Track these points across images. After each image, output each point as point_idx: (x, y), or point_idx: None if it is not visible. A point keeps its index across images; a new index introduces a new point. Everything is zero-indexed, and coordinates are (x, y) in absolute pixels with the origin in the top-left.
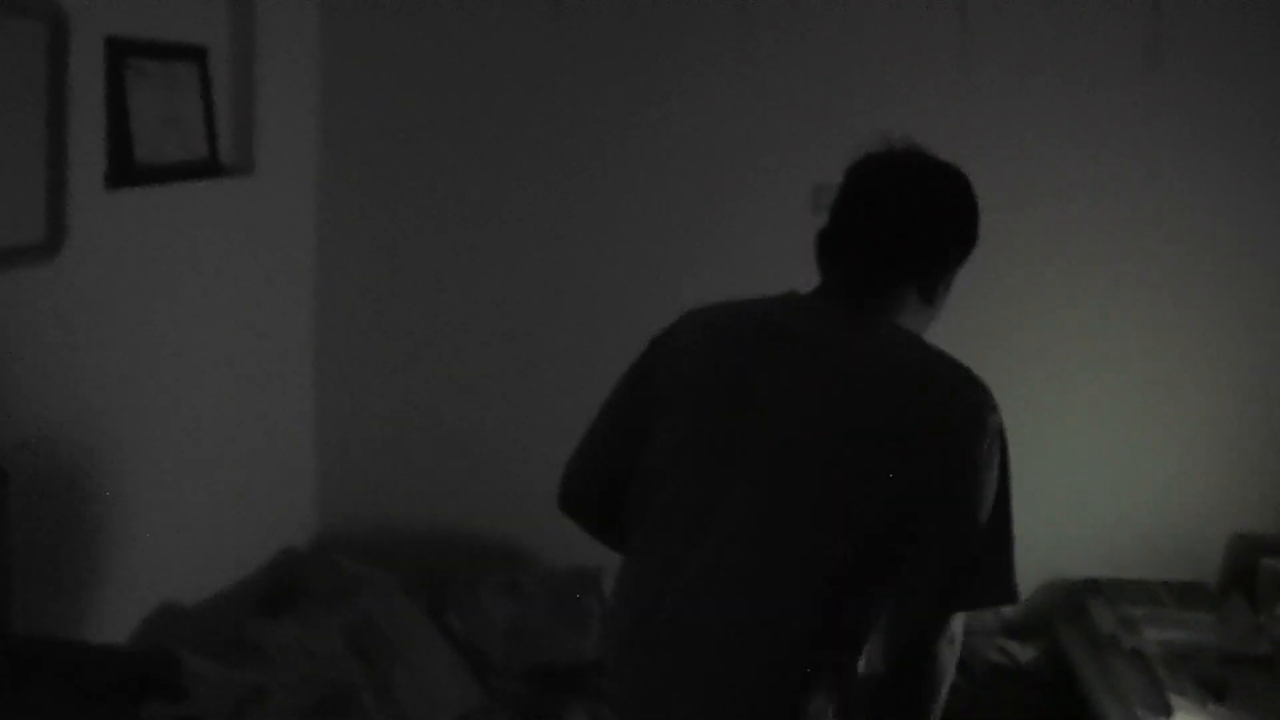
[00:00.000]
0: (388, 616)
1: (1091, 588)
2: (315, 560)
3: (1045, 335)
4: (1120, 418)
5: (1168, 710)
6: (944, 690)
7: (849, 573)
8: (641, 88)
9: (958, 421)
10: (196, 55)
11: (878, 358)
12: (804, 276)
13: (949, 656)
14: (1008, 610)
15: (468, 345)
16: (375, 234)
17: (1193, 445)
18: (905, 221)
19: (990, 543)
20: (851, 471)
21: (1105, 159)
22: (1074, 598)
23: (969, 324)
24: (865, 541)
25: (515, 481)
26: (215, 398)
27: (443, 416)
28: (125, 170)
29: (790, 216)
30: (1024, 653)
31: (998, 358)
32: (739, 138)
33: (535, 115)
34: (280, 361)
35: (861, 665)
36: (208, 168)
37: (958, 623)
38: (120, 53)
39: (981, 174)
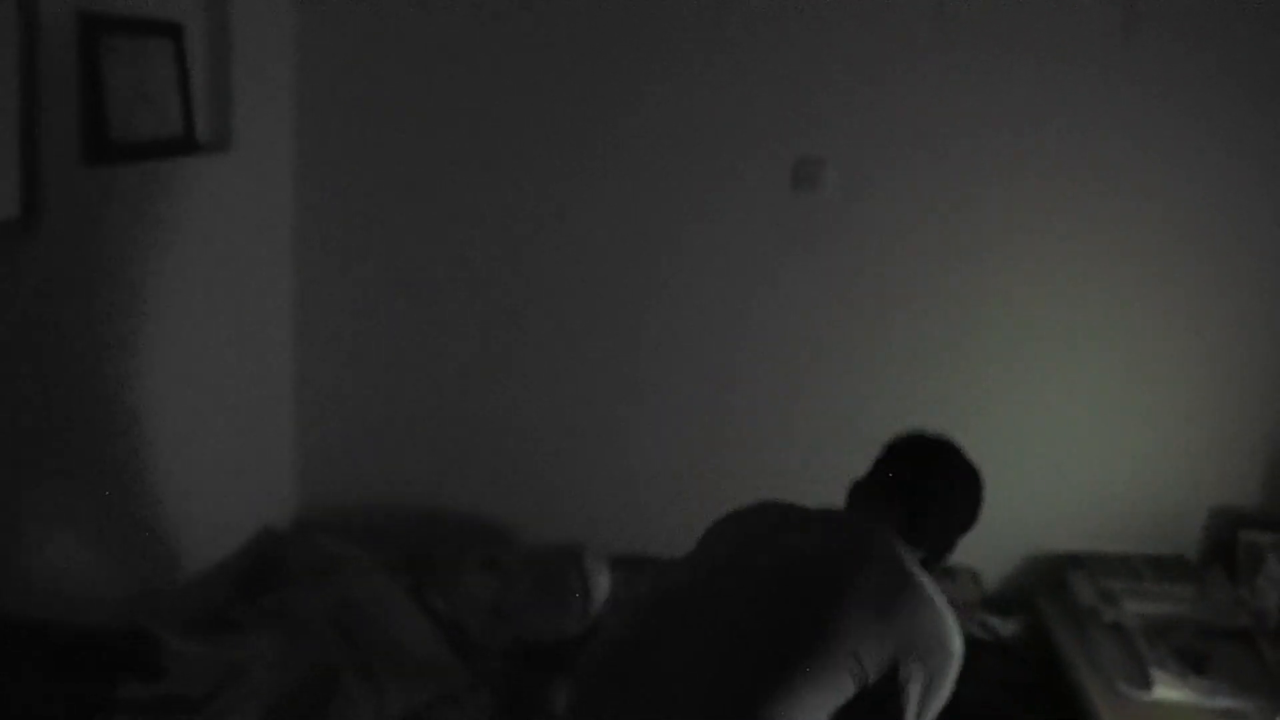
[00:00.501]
0: (368, 595)
1: (1072, 562)
2: (295, 539)
3: (1024, 310)
4: (1100, 392)
5: (1148, 683)
6: None
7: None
8: (621, 61)
9: (934, 644)
10: (171, 32)
11: (887, 558)
12: (784, 253)
13: None
14: (989, 584)
15: (448, 323)
16: (354, 211)
17: (1172, 419)
18: (930, 515)
19: None
20: (828, 629)
21: (1084, 132)
22: (1054, 572)
23: (949, 299)
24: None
25: (497, 459)
26: (193, 377)
27: (424, 394)
28: (100, 147)
29: (772, 192)
30: (1004, 626)
31: (977, 333)
32: (720, 113)
33: (513, 92)
34: (259, 340)
35: None
36: (184, 145)
37: None
38: (93, 29)
39: (960, 148)
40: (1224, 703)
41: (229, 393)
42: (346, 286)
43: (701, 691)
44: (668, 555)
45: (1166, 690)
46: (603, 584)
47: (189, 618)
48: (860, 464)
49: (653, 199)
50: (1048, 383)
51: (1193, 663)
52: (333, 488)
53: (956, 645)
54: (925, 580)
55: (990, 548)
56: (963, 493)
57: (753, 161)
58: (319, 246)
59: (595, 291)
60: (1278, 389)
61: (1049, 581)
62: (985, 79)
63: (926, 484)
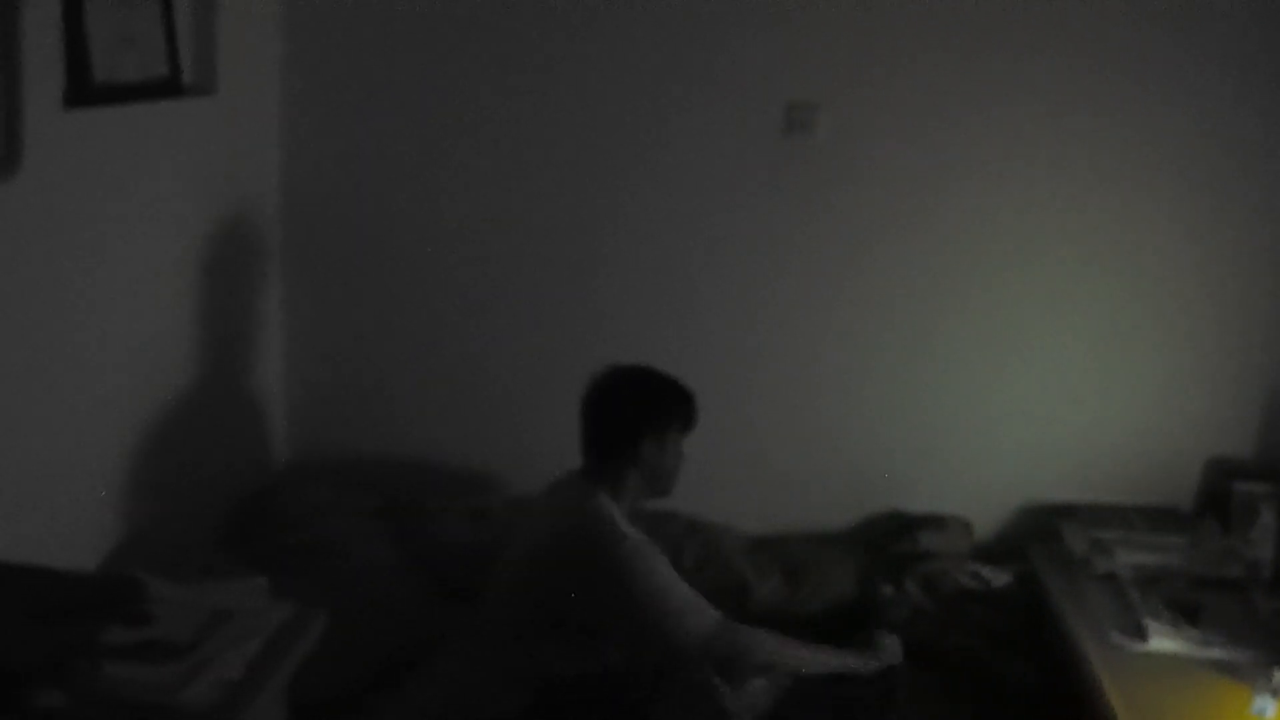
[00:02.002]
0: (354, 543)
1: (1065, 512)
2: (282, 487)
3: (1019, 259)
4: (1095, 342)
5: (1141, 633)
6: None
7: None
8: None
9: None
10: None
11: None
12: (774, 196)
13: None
14: (981, 533)
15: (436, 269)
16: (341, 156)
17: (1168, 370)
18: (614, 450)
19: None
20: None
21: (1081, 66)
22: (1047, 522)
23: (943, 247)
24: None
25: (485, 407)
26: (178, 323)
27: (412, 341)
28: (83, 90)
29: (762, 136)
30: (996, 577)
31: (971, 281)
32: (711, 53)
33: (502, 33)
34: (245, 286)
35: None
36: (169, 88)
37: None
38: None
39: (955, 90)
40: (1217, 654)
41: (215, 339)
42: (333, 232)
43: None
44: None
45: (1160, 641)
46: None
47: (177, 566)
48: (843, 411)
49: (642, 146)
50: (1042, 331)
51: (1186, 613)
52: (321, 434)
53: (615, 556)
54: (607, 534)
55: (983, 497)
56: (628, 410)
57: (744, 106)
58: (306, 192)
59: (584, 239)
60: (1275, 340)
61: (1042, 532)
62: (979, 18)
63: (597, 427)
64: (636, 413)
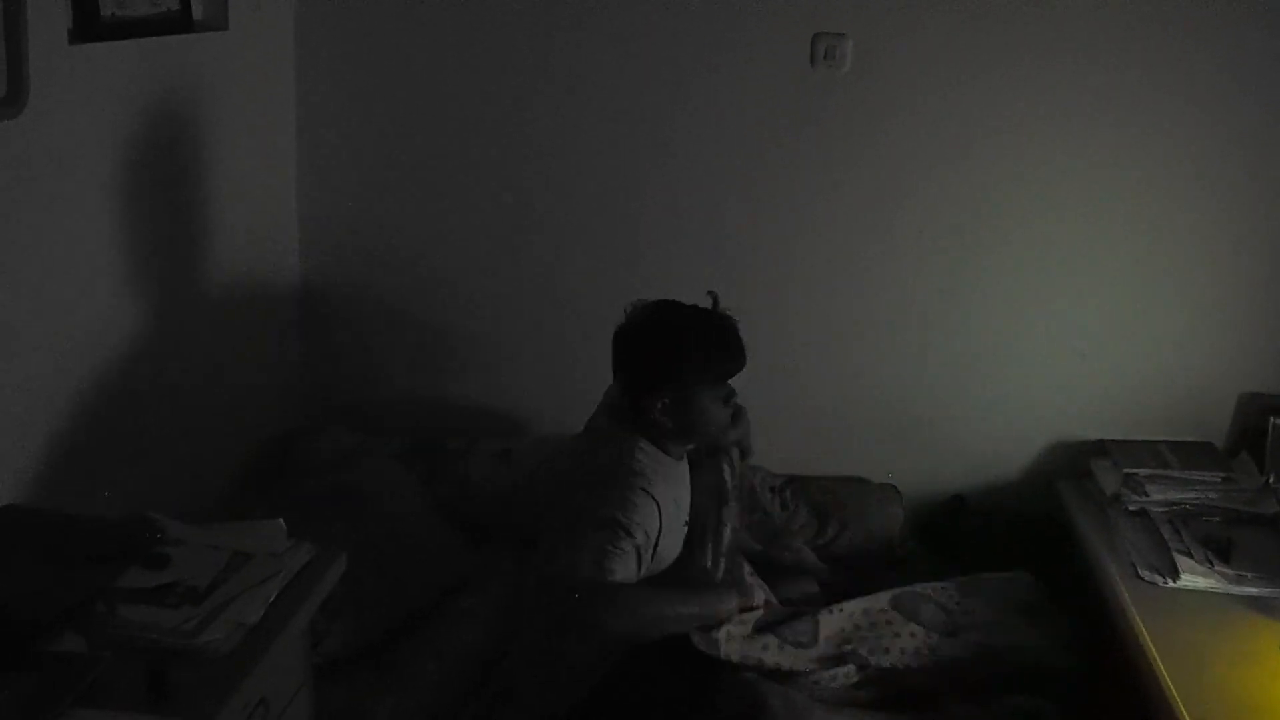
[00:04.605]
0: (379, 485)
1: (1097, 449)
2: (308, 430)
3: (1048, 191)
4: (1128, 277)
5: (1173, 570)
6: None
7: None
8: None
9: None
10: None
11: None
12: (801, 129)
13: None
14: (1011, 471)
15: (457, 207)
16: (357, 93)
17: (1202, 304)
18: (631, 388)
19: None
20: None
21: (1112, 4)
22: (1079, 458)
23: (970, 175)
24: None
25: (509, 349)
26: (193, 264)
27: (436, 282)
28: (90, 24)
29: (789, 68)
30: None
31: (999, 212)
32: None
33: None
34: (262, 225)
35: None
36: (178, 23)
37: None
38: None
39: (986, 15)
40: (1250, 590)
41: (234, 280)
42: (350, 170)
43: None
44: None
45: (1192, 578)
46: None
47: (200, 511)
48: (872, 347)
49: (668, 80)
50: (1073, 265)
51: (1218, 550)
52: (345, 378)
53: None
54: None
55: (1014, 434)
56: (638, 352)
57: (770, 38)
58: (321, 129)
59: (611, 174)
60: None
61: (1073, 468)
62: None
63: (621, 376)
64: (653, 374)
